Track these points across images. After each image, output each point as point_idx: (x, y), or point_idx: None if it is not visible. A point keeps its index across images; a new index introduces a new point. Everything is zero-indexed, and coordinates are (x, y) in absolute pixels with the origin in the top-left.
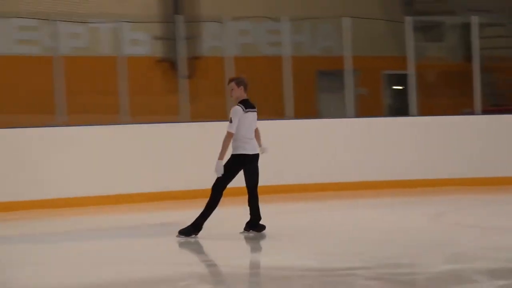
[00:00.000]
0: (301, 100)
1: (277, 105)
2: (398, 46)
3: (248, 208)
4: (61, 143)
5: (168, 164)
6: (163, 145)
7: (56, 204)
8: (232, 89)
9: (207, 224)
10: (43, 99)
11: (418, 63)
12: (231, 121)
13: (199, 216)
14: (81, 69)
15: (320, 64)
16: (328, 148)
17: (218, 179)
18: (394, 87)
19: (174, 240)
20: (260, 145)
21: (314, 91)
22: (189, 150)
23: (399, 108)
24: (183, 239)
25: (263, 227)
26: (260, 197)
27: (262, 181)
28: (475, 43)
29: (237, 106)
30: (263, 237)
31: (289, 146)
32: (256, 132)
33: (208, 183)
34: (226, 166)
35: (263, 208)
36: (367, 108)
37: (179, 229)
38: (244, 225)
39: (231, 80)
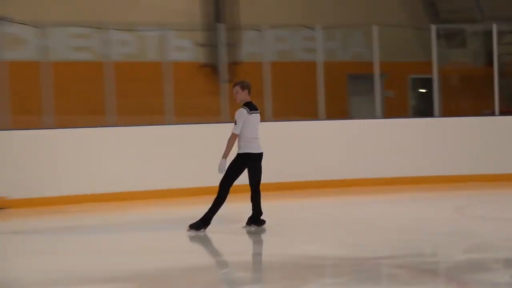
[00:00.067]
0: (333, 102)
1: (310, 107)
2: (423, 52)
3: (251, 204)
4: (111, 141)
5: (209, 161)
6: (205, 143)
7: (108, 197)
8: (237, 93)
9: (229, 217)
10: (95, 101)
11: (442, 68)
12: (235, 123)
13: (207, 212)
14: (130, 74)
15: (351, 68)
16: (358, 147)
17: (224, 177)
18: (419, 90)
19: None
20: None
21: (345, 93)
22: None
23: (424, 110)
24: (193, 233)
25: (263, 222)
26: (298, 192)
27: (303, 176)
28: (495, 49)
29: (241, 109)
30: (294, 228)
31: (322, 145)
32: None
33: (245, 178)
34: (232, 164)
35: (300, 202)
36: (394, 109)
37: (189, 224)
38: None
39: (236, 84)
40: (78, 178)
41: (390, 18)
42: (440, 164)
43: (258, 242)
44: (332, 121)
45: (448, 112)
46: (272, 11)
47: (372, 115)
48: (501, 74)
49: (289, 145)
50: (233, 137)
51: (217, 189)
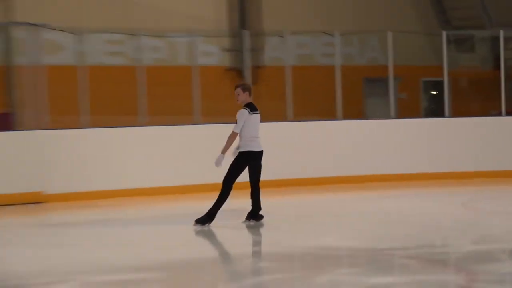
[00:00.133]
0: (350, 103)
1: (329, 108)
2: (435, 56)
3: (250, 200)
4: (143, 141)
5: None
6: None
7: (139, 193)
8: (239, 94)
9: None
10: (128, 103)
11: (452, 71)
12: (237, 122)
13: (212, 207)
14: (161, 78)
15: (367, 72)
16: (373, 145)
17: (227, 174)
18: (431, 92)
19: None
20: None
21: (361, 95)
22: None
23: (435, 110)
24: (199, 227)
25: (261, 217)
26: (319, 188)
27: (323, 172)
28: (502, 54)
29: (243, 109)
30: (310, 221)
31: (340, 143)
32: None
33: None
34: (234, 162)
35: (319, 196)
36: (407, 110)
37: (195, 218)
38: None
39: (237, 86)
40: (111, 174)
41: (404, 25)
42: (450, 161)
43: (274, 235)
44: (349, 121)
45: (457, 112)
46: (293, 18)
47: (386, 116)
48: (507, 77)
49: (309, 143)
50: (233, 135)
51: (240, 185)
